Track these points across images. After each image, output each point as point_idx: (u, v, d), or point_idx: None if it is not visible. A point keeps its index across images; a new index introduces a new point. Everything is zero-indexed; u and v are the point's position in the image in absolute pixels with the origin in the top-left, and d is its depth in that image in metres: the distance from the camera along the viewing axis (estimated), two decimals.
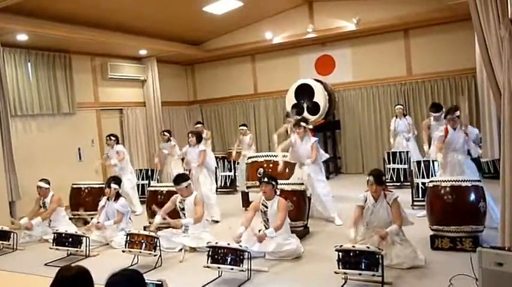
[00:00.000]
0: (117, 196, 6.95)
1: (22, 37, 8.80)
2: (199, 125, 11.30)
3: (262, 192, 5.88)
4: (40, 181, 7.58)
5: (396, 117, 10.15)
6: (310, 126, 8.02)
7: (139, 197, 9.46)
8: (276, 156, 8.10)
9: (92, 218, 7.14)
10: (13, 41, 8.89)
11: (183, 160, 10.42)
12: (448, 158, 6.59)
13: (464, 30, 9.87)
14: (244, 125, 11.70)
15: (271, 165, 8.21)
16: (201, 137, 8.35)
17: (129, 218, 7.11)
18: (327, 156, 8.05)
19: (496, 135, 8.27)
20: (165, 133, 10.72)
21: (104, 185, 7.38)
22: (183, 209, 6.38)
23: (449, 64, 10.79)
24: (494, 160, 8.83)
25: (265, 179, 5.89)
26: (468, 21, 5.37)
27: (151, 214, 6.96)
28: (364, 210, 5.28)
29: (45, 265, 6.07)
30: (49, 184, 7.60)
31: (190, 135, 8.26)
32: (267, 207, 5.85)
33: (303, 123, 7.60)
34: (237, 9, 10.72)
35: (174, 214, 6.43)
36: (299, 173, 7.50)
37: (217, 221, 7.88)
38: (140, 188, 9.78)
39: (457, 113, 6.65)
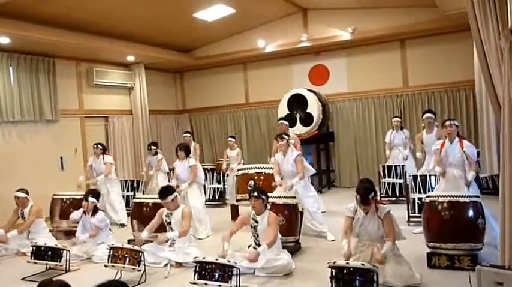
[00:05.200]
0: (95, 209, 6.75)
1: (4, 40, 8.56)
2: (187, 135, 11.02)
3: (252, 207, 5.75)
4: (17, 190, 7.29)
5: (393, 130, 9.82)
6: (292, 141, 7.75)
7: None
8: (268, 168, 7.94)
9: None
10: None
11: (168, 173, 10.19)
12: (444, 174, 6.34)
13: (462, 41, 9.80)
14: (232, 137, 11.14)
15: (262, 177, 8.01)
16: (189, 150, 8.15)
17: (109, 230, 6.93)
18: (313, 171, 7.85)
19: (495, 150, 8.13)
20: (152, 146, 10.45)
21: None
22: (169, 223, 6.20)
23: (447, 76, 10.67)
24: (493, 175, 8.69)
25: (255, 194, 5.73)
26: (467, 32, 5.27)
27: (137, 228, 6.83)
28: (353, 221, 5.11)
29: (23, 279, 5.86)
30: (27, 193, 7.31)
31: (178, 149, 8.04)
32: (257, 222, 5.72)
33: (285, 136, 7.36)
34: (229, 16, 10.58)
35: (161, 227, 6.25)
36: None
37: (200, 239, 7.45)
38: (125, 200, 9.48)
39: (455, 121, 6.44)
